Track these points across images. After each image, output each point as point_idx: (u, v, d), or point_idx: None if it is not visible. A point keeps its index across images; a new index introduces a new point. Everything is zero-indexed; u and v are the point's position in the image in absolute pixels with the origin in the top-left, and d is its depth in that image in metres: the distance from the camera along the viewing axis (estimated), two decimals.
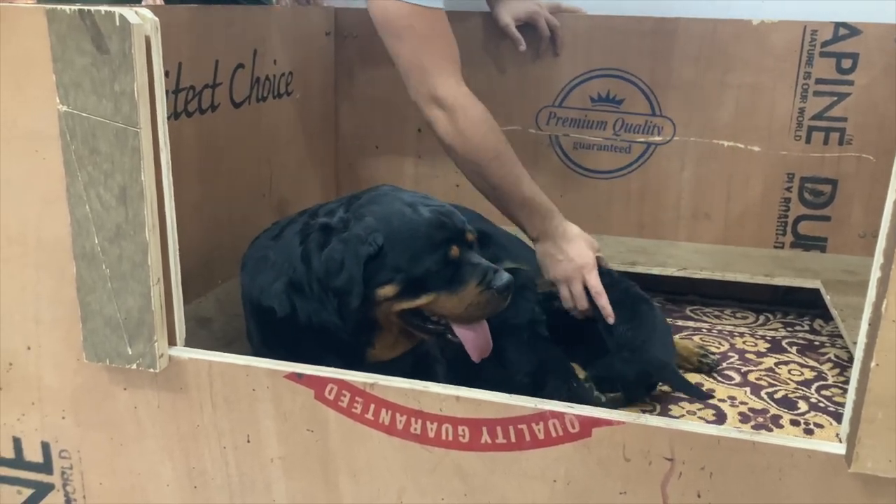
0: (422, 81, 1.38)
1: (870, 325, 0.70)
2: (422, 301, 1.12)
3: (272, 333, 1.21)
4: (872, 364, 0.68)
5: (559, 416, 0.78)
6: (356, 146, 2.08)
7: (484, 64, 1.96)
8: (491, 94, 1.97)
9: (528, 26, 1.88)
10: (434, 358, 1.27)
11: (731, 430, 0.77)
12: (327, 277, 1.11)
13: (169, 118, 1.43)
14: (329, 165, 2.07)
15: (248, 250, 1.32)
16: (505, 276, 1.14)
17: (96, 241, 0.86)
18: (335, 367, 1.07)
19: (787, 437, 0.76)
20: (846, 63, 1.75)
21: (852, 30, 1.73)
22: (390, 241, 1.11)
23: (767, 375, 1.52)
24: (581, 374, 1.40)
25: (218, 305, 1.56)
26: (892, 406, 0.69)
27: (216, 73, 1.56)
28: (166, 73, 1.43)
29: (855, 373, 0.73)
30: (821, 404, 1.41)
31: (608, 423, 0.78)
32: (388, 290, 1.11)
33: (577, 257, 1.45)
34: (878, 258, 0.69)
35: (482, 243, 1.70)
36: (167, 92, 1.43)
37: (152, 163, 0.83)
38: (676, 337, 1.65)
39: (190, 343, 1.36)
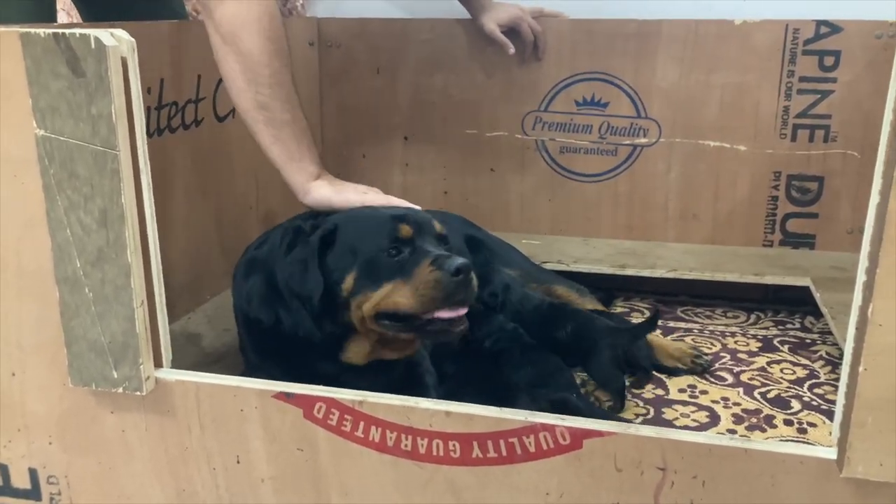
0: None
1: (857, 329, 0.70)
2: (381, 292, 1.10)
3: (262, 343, 1.21)
4: (861, 368, 0.68)
5: (550, 428, 0.78)
6: (343, 156, 2.08)
7: (469, 71, 1.96)
8: (477, 101, 1.98)
9: (511, 32, 1.88)
10: (424, 369, 1.26)
11: (723, 437, 0.77)
12: (291, 280, 1.12)
13: (152, 135, 1.44)
14: None
15: (239, 260, 1.31)
16: (459, 260, 1.09)
17: (78, 265, 0.85)
18: (327, 373, 1.08)
19: (779, 444, 0.75)
20: (829, 61, 1.76)
21: (833, 27, 1.74)
22: (345, 224, 1.14)
23: (760, 375, 1.52)
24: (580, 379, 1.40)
25: (207, 321, 1.55)
26: (881, 410, 0.69)
27: (199, 87, 1.55)
28: (148, 90, 1.43)
29: (844, 377, 0.73)
30: (814, 403, 1.41)
31: (599, 434, 0.77)
32: (348, 281, 1.11)
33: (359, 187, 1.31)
34: (864, 261, 0.69)
35: (473, 249, 1.70)
36: (149, 108, 1.44)
37: (132, 185, 0.82)
38: (669, 338, 1.65)
39: (180, 360, 1.35)
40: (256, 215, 1.79)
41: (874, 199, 0.68)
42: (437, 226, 1.18)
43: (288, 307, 1.15)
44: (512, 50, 1.86)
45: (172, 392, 0.90)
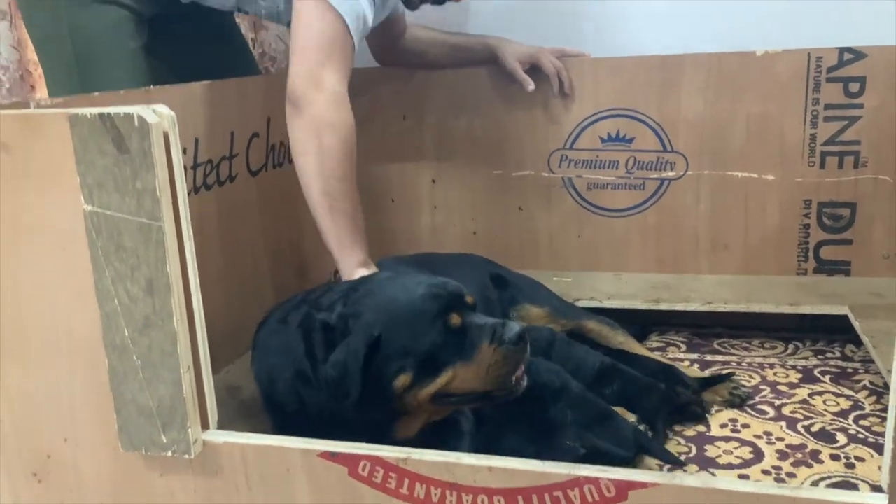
0: (320, 63, 1.39)
1: None
2: (442, 380, 1.09)
3: (285, 424, 1.20)
4: None
5: (594, 481, 0.78)
6: (372, 201, 2.09)
7: (493, 111, 1.99)
8: (501, 141, 2.01)
9: (533, 69, 1.90)
10: (460, 412, 1.24)
11: (770, 485, 0.76)
12: (337, 387, 1.09)
13: (189, 193, 1.47)
14: None
15: (258, 331, 1.32)
16: (515, 326, 1.11)
17: (126, 333, 0.88)
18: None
19: (827, 491, 0.75)
20: (854, 87, 1.75)
21: (857, 54, 1.74)
22: (389, 328, 1.09)
23: (802, 408, 1.50)
24: (630, 417, 1.38)
25: (246, 372, 1.56)
26: None
27: (232, 144, 1.59)
28: (184, 150, 1.47)
29: (891, 420, 0.72)
30: (860, 435, 1.39)
31: (643, 485, 0.77)
32: (403, 380, 1.09)
33: None
34: None
35: (498, 286, 1.70)
36: (186, 168, 1.47)
37: (177, 254, 0.85)
38: (706, 372, 1.64)
39: (221, 413, 1.37)
40: (291, 265, 1.82)
41: None
42: (469, 298, 1.17)
43: (314, 391, 1.13)
44: (532, 86, 1.88)
45: (219, 453, 0.92)
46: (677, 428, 1.43)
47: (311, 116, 1.38)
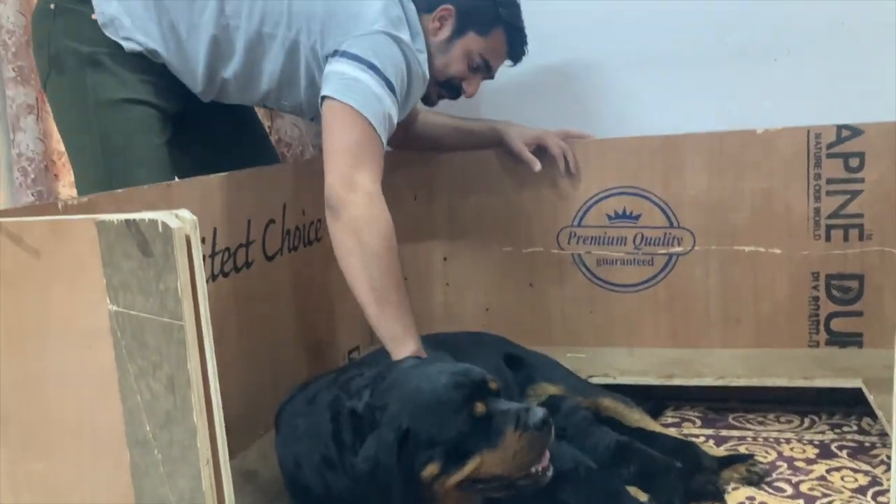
0: (352, 166, 1.47)
1: None
2: (469, 467, 1.12)
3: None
4: None
5: None
6: None
7: (502, 191, 2.04)
8: (511, 219, 2.05)
9: (538, 150, 1.96)
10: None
11: None
12: (370, 479, 1.11)
13: (207, 281, 1.52)
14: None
15: (281, 410, 1.34)
16: (539, 412, 1.13)
17: (148, 428, 0.90)
18: None
19: None
20: (854, 162, 1.80)
21: (854, 130, 1.79)
22: (416, 419, 1.12)
23: (820, 484, 1.49)
24: (643, 496, 1.38)
25: (262, 457, 1.58)
26: None
27: (249, 231, 1.64)
28: (202, 239, 1.52)
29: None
30: None
31: None
32: (431, 469, 1.11)
33: None
34: None
35: (513, 367, 1.72)
36: (204, 257, 1.53)
37: (197, 352, 0.88)
38: (721, 449, 1.63)
39: (238, 500, 1.38)
40: (305, 347, 1.85)
41: None
42: (492, 384, 1.19)
43: (340, 476, 1.15)
44: (538, 167, 1.94)
45: None
46: None
47: (350, 217, 1.45)
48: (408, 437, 1.11)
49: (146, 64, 1.62)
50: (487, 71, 1.76)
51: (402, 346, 1.42)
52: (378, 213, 1.47)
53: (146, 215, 0.86)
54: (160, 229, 0.86)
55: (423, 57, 1.66)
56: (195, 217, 0.90)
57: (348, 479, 1.15)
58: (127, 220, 0.87)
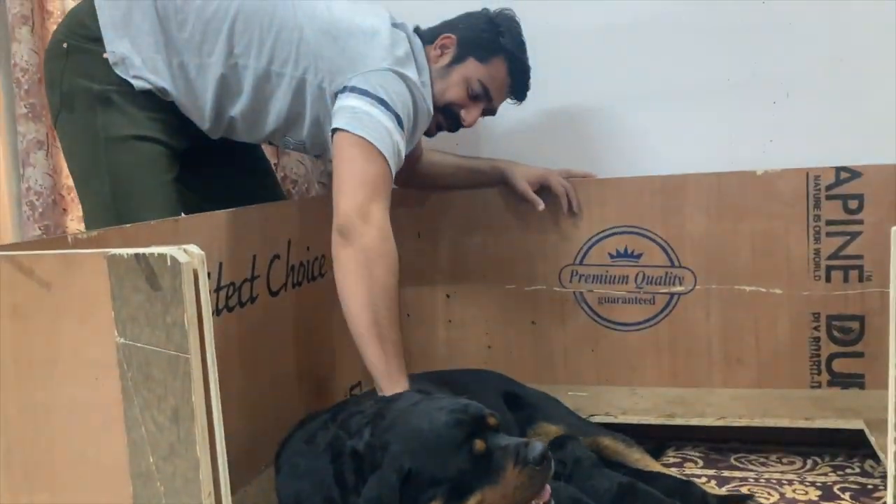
0: (368, 197, 1.48)
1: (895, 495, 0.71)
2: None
3: None
4: None
5: None
6: None
7: (505, 229, 2.06)
8: (514, 257, 2.07)
9: (542, 190, 1.98)
10: None
11: None
12: None
13: (212, 315, 1.54)
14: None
15: (281, 450, 1.34)
16: (538, 447, 1.14)
17: (151, 461, 0.91)
18: None
19: None
20: (853, 204, 1.82)
21: (853, 173, 1.81)
22: (417, 459, 1.12)
23: None
24: None
25: (262, 493, 1.57)
26: None
27: (254, 267, 1.66)
28: (208, 275, 1.54)
29: None
30: None
31: None
32: None
33: None
34: (892, 420, 0.71)
35: (513, 406, 1.72)
36: (209, 291, 1.54)
37: (202, 384, 0.89)
38: (723, 489, 1.63)
39: None
40: (308, 382, 1.85)
41: (892, 359, 0.71)
42: (492, 420, 1.20)
43: None
44: (542, 206, 1.96)
45: None
46: None
47: (362, 248, 1.45)
48: (410, 476, 1.11)
49: (155, 102, 1.66)
50: (488, 100, 1.75)
51: (396, 384, 1.43)
52: (391, 249, 1.48)
53: (156, 250, 0.88)
54: (169, 263, 0.87)
55: (428, 91, 1.69)
56: (203, 252, 0.92)
57: None
58: (136, 255, 0.88)
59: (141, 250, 0.89)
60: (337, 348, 1.97)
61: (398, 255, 1.51)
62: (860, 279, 1.83)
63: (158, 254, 0.88)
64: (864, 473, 1.69)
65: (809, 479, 1.68)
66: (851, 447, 1.78)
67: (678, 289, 1.94)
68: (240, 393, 1.61)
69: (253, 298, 1.66)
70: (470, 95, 1.73)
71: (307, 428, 1.33)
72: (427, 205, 2.12)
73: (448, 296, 2.14)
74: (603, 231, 1.99)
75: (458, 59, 1.72)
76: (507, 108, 1.87)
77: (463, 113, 1.75)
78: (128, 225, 1.39)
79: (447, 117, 1.77)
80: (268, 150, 2.15)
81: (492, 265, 2.09)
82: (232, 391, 1.59)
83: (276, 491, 1.31)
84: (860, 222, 1.82)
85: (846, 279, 1.83)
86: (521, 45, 1.76)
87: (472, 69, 1.72)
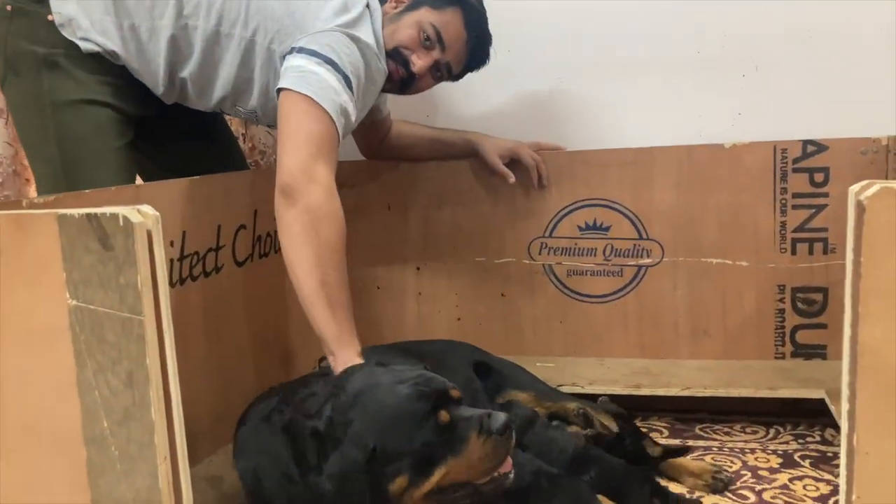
0: (312, 155, 1.43)
1: (847, 457, 0.72)
2: (437, 477, 1.11)
3: None
4: (854, 497, 0.70)
5: None
6: (358, 289, 2.13)
7: (474, 202, 2.06)
8: (484, 229, 2.06)
9: (512, 163, 1.98)
10: None
11: None
12: (337, 497, 1.10)
13: (175, 284, 1.52)
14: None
15: (239, 428, 1.32)
16: (500, 417, 1.14)
17: (105, 425, 0.90)
18: None
19: None
20: (818, 177, 1.83)
21: (819, 146, 1.82)
22: (381, 435, 1.11)
23: (783, 493, 1.50)
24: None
25: (228, 463, 1.56)
26: None
27: (219, 236, 1.64)
28: (171, 243, 1.52)
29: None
30: None
31: None
32: (400, 482, 1.11)
33: None
34: (845, 390, 0.72)
35: (483, 375, 1.73)
36: (172, 260, 1.52)
37: (157, 347, 0.88)
38: (688, 458, 1.64)
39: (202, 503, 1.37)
40: (275, 355, 1.85)
41: (846, 331, 0.72)
42: (454, 392, 1.19)
43: (305, 494, 1.13)
44: (512, 179, 1.96)
45: None
46: None
47: (307, 207, 1.40)
48: (375, 453, 1.11)
49: (104, 65, 1.62)
50: (441, 49, 1.65)
51: (348, 347, 1.38)
52: (337, 209, 1.44)
53: (108, 210, 0.87)
54: (121, 223, 0.86)
55: (384, 54, 1.64)
56: (157, 213, 0.90)
57: (312, 495, 1.14)
58: (88, 215, 0.87)
59: (93, 210, 0.87)
60: (305, 320, 1.95)
61: (343, 215, 1.45)
62: (825, 252, 1.85)
63: (110, 213, 0.86)
64: (823, 441, 1.72)
65: (771, 447, 1.71)
66: (813, 416, 1.81)
67: (646, 261, 1.95)
68: (205, 363, 1.60)
69: (218, 268, 1.65)
70: (422, 40, 1.64)
71: (261, 406, 1.31)
72: (397, 177, 2.10)
73: (418, 268, 2.13)
74: (572, 204, 1.99)
75: (412, 7, 1.66)
76: (476, 82, 1.84)
77: (413, 58, 1.65)
78: (87, 191, 1.37)
79: (398, 63, 1.66)
80: (235, 121, 2.12)
81: (462, 238, 2.09)
82: (197, 362, 1.58)
83: (236, 468, 1.29)
84: (825, 195, 1.83)
85: (811, 252, 1.85)
86: (478, 2, 1.71)
87: (424, 14, 1.64)
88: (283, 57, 1.55)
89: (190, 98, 1.70)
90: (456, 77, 1.76)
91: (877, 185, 0.69)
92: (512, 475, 1.15)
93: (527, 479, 1.39)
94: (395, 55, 1.66)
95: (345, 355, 1.37)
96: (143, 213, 0.88)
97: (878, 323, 0.70)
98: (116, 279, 0.87)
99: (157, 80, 1.64)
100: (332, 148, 1.49)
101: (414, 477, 1.11)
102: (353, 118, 1.55)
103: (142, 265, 0.87)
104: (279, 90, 1.50)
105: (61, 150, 1.58)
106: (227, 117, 1.96)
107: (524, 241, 2.04)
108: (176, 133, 1.81)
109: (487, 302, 2.08)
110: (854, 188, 0.71)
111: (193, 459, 1.52)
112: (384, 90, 1.75)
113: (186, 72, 1.63)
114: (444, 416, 1.14)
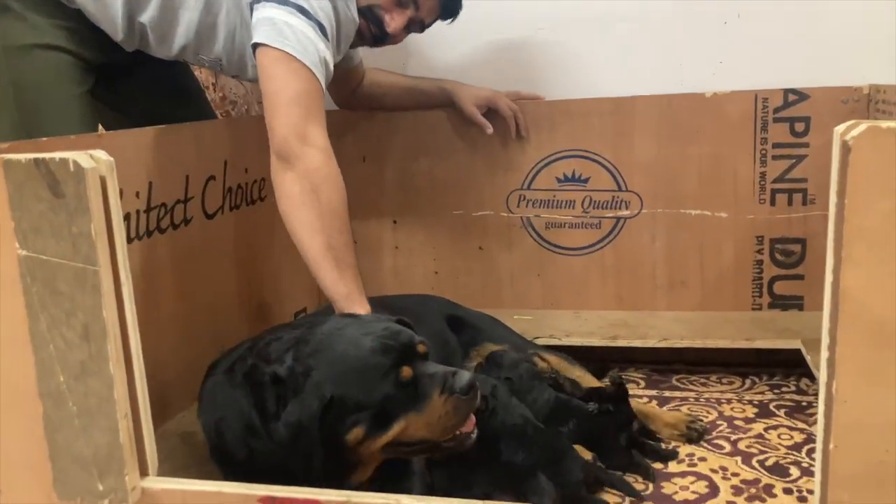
0: (302, 117, 1.39)
1: (825, 405, 0.70)
2: (394, 431, 1.09)
3: (235, 473, 1.17)
4: (831, 446, 0.69)
5: None
6: None
7: (452, 154, 2.02)
8: (461, 182, 2.03)
9: (490, 113, 1.93)
10: (410, 468, 1.23)
11: None
12: (292, 447, 1.08)
13: (142, 237, 1.48)
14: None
15: (204, 381, 1.30)
16: (466, 376, 1.11)
17: (61, 380, 0.86)
18: None
19: None
20: (799, 126, 1.81)
21: (801, 95, 1.79)
22: (341, 385, 1.08)
23: (757, 442, 1.51)
24: (587, 455, 1.37)
25: None
26: (856, 487, 0.69)
27: (187, 187, 1.59)
28: (136, 194, 1.47)
29: (818, 456, 0.73)
30: (812, 468, 1.39)
31: None
32: (356, 433, 1.08)
33: None
34: (825, 338, 0.70)
35: (457, 329, 1.71)
36: (138, 212, 1.48)
37: (113, 299, 0.84)
38: (665, 408, 1.65)
39: (173, 459, 1.35)
40: (248, 309, 1.81)
41: (828, 276, 0.70)
42: (421, 347, 1.16)
43: (265, 445, 1.11)
44: (490, 129, 1.92)
45: (159, 500, 0.90)
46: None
47: (306, 171, 1.37)
48: (332, 403, 1.08)
49: (60, 9, 1.54)
50: (415, 7, 1.63)
51: (358, 306, 1.37)
52: (335, 171, 1.40)
53: (57, 154, 0.82)
54: (72, 169, 0.81)
55: (353, 3, 1.58)
56: (111, 158, 0.85)
57: (271, 444, 1.12)
58: (36, 160, 0.82)
59: (41, 155, 0.82)
60: (281, 273, 1.93)
61: (341, 175, 1.43)
62: (804, 202, 1.83)
63: (60, 158, 0.82)
64: (799, 391, 1.73)
65: (747, 397, 1.71)
66: (789, 367, 1.81)
67: (624, 213, 1.93)
68: (175, 317, 1.56)
69: (187, 220, 1.60)
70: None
71: (228, 357, 1.28)
72: (372, 128, 2.05)
73: (395, 221, 2.10)
74: (551, 155, 1.96)
75: None
76: (453, 32, 1.78)
77: (387, 18, 1.61)
78: (44, 139, 1.31)
79: (370, 22, 1.62)
80: (205, 70, 2.05)
81: (439, 190, 2.05)
82: (167, 315, 1.54)
83: (199, 422, 1.27)
84: (806, 145, 1.81)
85: (790, 202, 1.84)
86: None
87: None
88: (250, 6, 1.48)
89: (151, 45, 1.62)
90: (426, 28, 1.71)
91: (864, 125, 0.66)
92: (475, 435, 1.14)
93: (515, 422, 1.37)
94: (368, 13, 1.61)
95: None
96: (95, 157, 0.84)
97: (860, 268, 0.68)
98: (69, 228, 0.83)
99: (115, 25, 1.57)
100: (320, 105, 1.44)
101: (371, 429, 1.09)
102: (331, 67, 1.50)
103: (95, 213, 0.82)
104: (255, 46, 1.44)
105: (17, 98, 1.51)
106: (195, 68, 1.89)
107: (502, 193, 2.00)
108: (140, 82, 1.74)
109: (465, 255, 2.05)
110: (839, 128, 0.68)
111: (165, 415, 1.51)
112: (353, 45, 1.69)
113: (146, 16, 1.56)
114: (406, 371, 1.11)
